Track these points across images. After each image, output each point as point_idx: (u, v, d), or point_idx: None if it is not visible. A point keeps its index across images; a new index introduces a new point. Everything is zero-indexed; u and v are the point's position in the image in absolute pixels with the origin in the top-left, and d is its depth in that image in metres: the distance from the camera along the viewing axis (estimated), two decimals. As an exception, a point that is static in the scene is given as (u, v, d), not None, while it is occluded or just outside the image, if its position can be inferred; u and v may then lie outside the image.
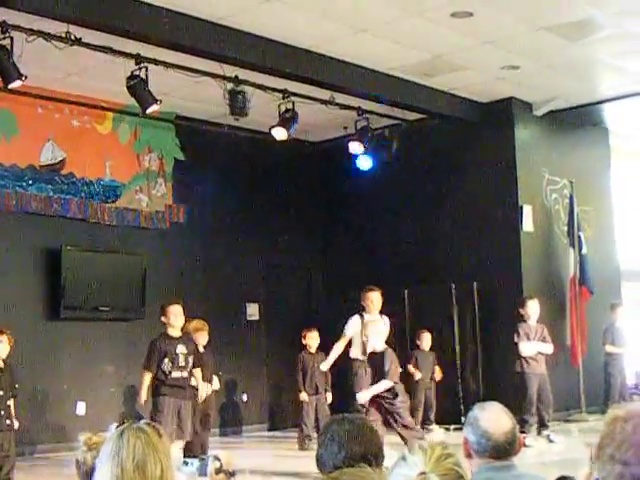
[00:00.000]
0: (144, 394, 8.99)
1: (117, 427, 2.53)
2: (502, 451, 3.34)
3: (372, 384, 9.00)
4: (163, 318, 9.11)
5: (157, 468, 2.45)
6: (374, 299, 10.41)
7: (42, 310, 11.53)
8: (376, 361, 8.97)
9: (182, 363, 8.97)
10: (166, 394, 8.82)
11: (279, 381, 13.59)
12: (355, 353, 10.48)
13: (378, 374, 8.88)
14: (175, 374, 8.90)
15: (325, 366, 10.94)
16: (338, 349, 10.58)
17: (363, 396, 8.91)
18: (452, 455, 2.55)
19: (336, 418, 3.31)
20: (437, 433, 12.03)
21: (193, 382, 9.33)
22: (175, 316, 9.04)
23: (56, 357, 11.52)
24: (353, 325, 10.50)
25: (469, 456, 3.40)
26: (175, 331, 9.09)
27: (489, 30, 10.06)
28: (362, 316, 10.46)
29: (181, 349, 9.00)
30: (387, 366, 8.83)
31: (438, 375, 12.46)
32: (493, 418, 3.39)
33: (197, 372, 9.31)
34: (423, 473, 2.45)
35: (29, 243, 11.43)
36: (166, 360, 8.87)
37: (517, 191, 12.66)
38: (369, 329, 9.10)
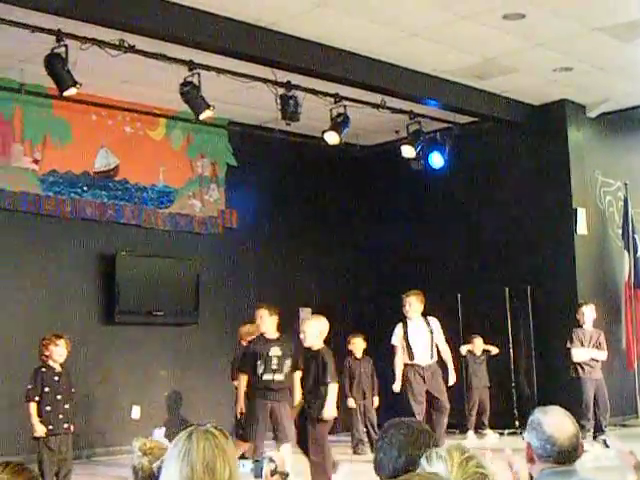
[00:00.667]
0: (242, 399, 8.84)
1: (184, 429, 2.53)
2: (566, 456, 3.29)
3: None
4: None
5: (226, 471, 2.45)
6: (410, 302, 10.40)
7: (97, 314, 11.66)
8: (312, 358, 8.80)
9: (275, 366, 8.76)
10: (256, 397, 8.70)
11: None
12: (404, 358, 10.43)
13: (320, 373, 8.67)
14: (267, 377, 8.71)
15: (397, 386, 10.35)
16: (399, 362, 10.40)
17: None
18: (473, 457, 2.50)
19: (393, 422, 3.29)
20: (491, 437, 11.99)
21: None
22: (261, 318, 8.92)
23: (111, 361, 11.63)
24: (397, 333, 10.50)
25: (531, 460, 3.36)
26: (270, 333, 8.94)
27: (541, 32, 9.98)
28: (405, 323, 10.43)
29: (275, 351, 8.79)
30: (331, 367, 8.66)
31: (494, 350, 12.42)
32: (557, 423, 3.34)
33: (296, 375, 9.00)
34: None
35: (84, 249, 11.58)
36: (259, 362, 8.71)
37: (571, 194, 12.54)
38: (305, 326, 9.00)
